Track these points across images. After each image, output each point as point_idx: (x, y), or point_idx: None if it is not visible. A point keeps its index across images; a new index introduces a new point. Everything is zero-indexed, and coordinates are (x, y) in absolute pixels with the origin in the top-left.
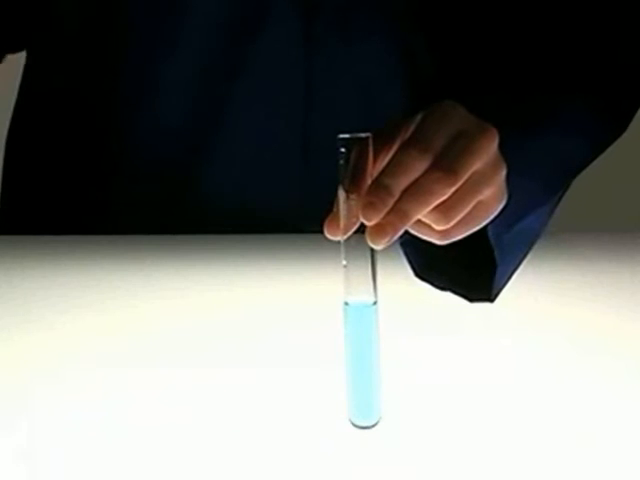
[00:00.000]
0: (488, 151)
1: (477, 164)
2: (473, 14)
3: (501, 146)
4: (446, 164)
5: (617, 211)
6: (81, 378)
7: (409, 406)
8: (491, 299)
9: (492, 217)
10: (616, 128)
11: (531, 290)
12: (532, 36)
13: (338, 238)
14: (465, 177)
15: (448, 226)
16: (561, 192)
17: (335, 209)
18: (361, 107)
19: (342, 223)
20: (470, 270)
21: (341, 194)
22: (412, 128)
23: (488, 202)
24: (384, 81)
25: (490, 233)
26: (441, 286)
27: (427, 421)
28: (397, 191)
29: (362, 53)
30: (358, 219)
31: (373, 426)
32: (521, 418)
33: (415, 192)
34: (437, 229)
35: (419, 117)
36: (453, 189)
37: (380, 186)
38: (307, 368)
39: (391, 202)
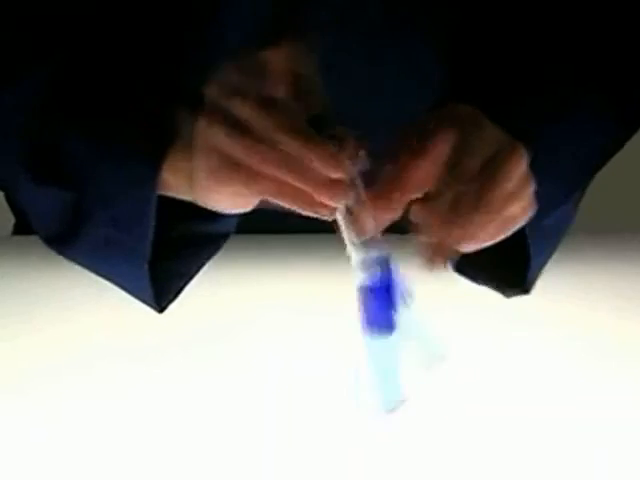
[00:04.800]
0: (518, 172)
1: (508, 186)
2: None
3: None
4: (479, 193)
5: (617, 211)
6: (84, 374)
7: (412, 404)
8: (527, 291)
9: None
10: (632, 124)
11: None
12: (554, 31)
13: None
14: (496, 203)
15: (476, 246)
16: (581, 190)
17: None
18: (391, 113)
19: (346, 237)
20: (504, 266)
21: (340, 210)
22: (446, 149)
23: (516, 215)
24: (421, 89)
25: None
26: (479, 281)
27: (429, 419)
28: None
29: (395, 60)
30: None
31: (400, 407)
32: (522, 417)
33: (449, 227)
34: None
35: (452, 137)
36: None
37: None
38: (308, 367)
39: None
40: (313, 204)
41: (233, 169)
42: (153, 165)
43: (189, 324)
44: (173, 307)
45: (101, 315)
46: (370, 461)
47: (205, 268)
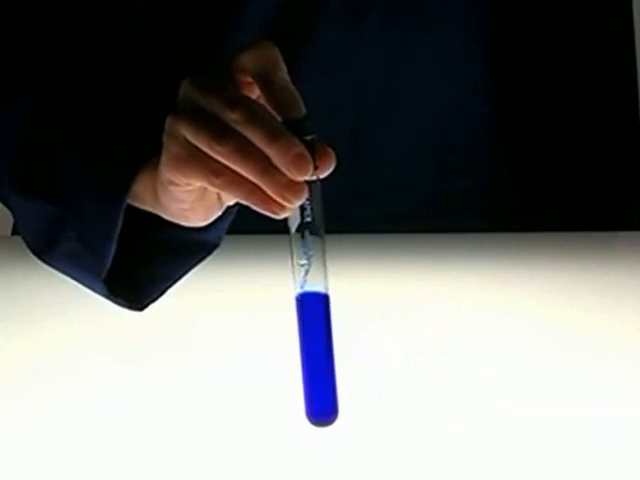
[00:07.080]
0: None
1: None
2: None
3: None
4: None
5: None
6: (84, 375)
7: (403, 406)
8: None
9: None
10: None
11: (527, 289)
12: None
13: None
14: None
15: None
16: None
17: None
18: (415, 106)
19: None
20: None
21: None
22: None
23: None
24: (444, 81)
25: None
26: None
27: (424, 424)
28: None
29: (417, 53)
30: None
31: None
32: (519, 416)
33: None
34: None
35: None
36: None
37: None
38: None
39: None
40: (267, 202)
41: (193, 159)
42: (124, 180)
43: (180, 325)
44: (165, 308)
45: (99, 316)
46: (370, 461)
47: (199, 268)
